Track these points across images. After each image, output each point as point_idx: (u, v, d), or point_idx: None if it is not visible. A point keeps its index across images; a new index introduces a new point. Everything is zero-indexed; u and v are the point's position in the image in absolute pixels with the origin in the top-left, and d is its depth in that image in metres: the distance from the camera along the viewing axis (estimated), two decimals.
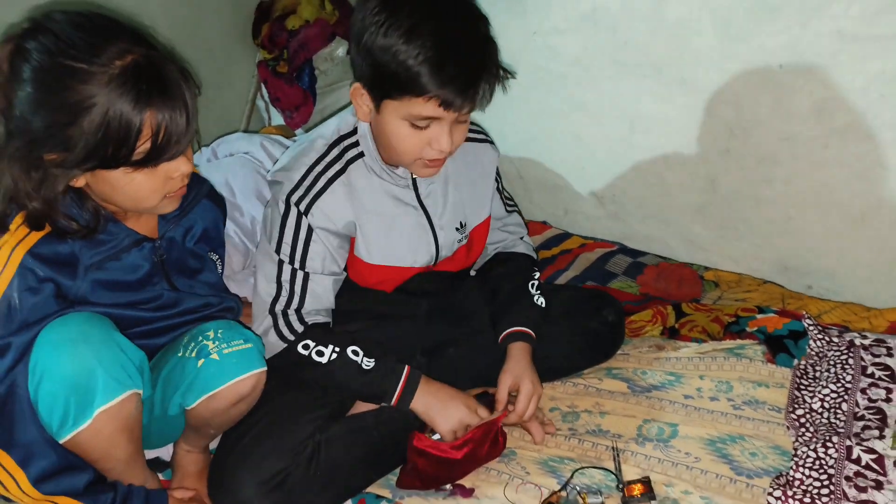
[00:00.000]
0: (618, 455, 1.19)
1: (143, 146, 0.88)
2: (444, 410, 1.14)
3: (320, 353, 1.13)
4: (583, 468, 1.18)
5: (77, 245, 0.95)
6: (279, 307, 1.14)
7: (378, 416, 1.20)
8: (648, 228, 1.85)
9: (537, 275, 1.37)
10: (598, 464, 1.19)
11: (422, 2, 0.98)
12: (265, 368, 1.04)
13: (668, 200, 1.80)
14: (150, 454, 1.18)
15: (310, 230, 1.12)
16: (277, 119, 2.38)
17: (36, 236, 0.93)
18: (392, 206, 1.18)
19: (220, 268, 1.18)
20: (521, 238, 1.43)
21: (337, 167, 1.13)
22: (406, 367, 1.16)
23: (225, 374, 1.00)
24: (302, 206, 1.11)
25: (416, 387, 1.15)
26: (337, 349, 1.13)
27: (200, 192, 1.10)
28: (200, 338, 1.01)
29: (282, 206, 1.12)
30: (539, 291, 1.34)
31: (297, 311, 1.14)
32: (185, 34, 2.05)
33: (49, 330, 0.90)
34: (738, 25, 1.53)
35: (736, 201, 1.69)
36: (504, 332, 1.27)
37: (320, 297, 1.16)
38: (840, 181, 1.54)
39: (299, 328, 1.14)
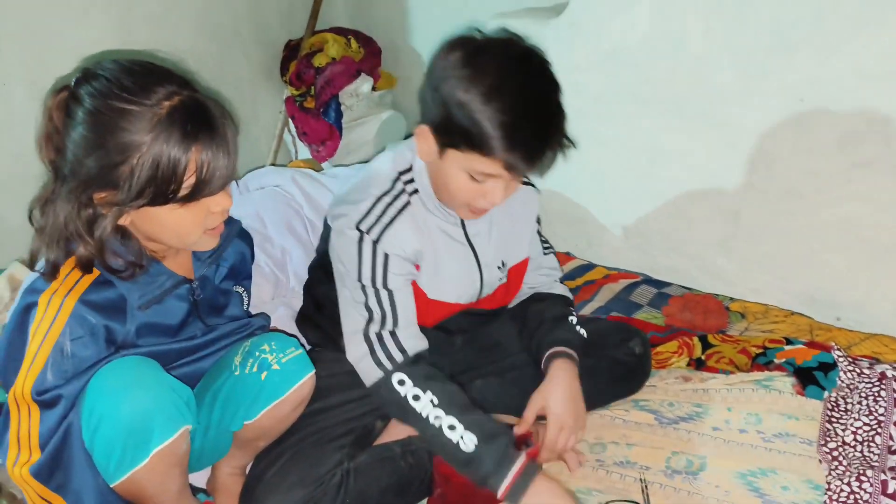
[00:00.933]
0: (646, 487, 1.18)
1: (189, 181, 0.92)
2: None
3: (416, 398, 1.07)
4: (611, 501, 1.17)
5: (125, 287, 0.98)
6: (373, 330, 1.12)
7: (405, 446, 1.20)
8: (672, 261, 1.86)
9: (574, 313, 1.37)
10: (626, 496, 1.18)
11: (505, 64, 1.00)
12: (314, 370, 1.09)
13: (691, 234, 1.80)
14: None
15: (386, 258, 1.13)
16: (304, 153, 2.44)
17: (86, 283, 0.95)
18: (444, 242, 1.19)
19: (245, 300, 1.21)
20: (557, 280, 1.43)
21: (402, 200, 1.15)
22: (523, 456, 1.04)
23: (288, 380, 1.05)
24: (373, 234, 1.12)
25: (529, 481, 1.03)
26: (433, 403, 1.06)
27: (232, 230, 1.13)
28: (257, 353, 1.05)
29: (354, 234, 1.12)
30: (578, 326, 1.33)
31: (393, 332, 1.12)
32: (215, 71, 2.13)
33: (102, 376, 0.92)
34: (757, 63, 1.55)
35: (760, 234, 1.69)
36: (545, 354, 1.24)
37: (409, 310, 1.14)
38: (865, 214, 1.54)
39: (398, 356, 1.11)
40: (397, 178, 1.16)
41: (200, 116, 0.92)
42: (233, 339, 1.12)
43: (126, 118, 0.89)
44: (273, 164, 2.37)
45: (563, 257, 1.95)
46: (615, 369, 1.37)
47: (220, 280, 1.13)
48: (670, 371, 1.46)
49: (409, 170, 1.17)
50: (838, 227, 1.58)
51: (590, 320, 1.51)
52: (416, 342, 1.14)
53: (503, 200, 1.08)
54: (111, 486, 0.94)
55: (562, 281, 1.43)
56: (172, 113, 0.90)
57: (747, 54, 1.56)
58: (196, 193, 0.93)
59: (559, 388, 1.18)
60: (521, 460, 1.03)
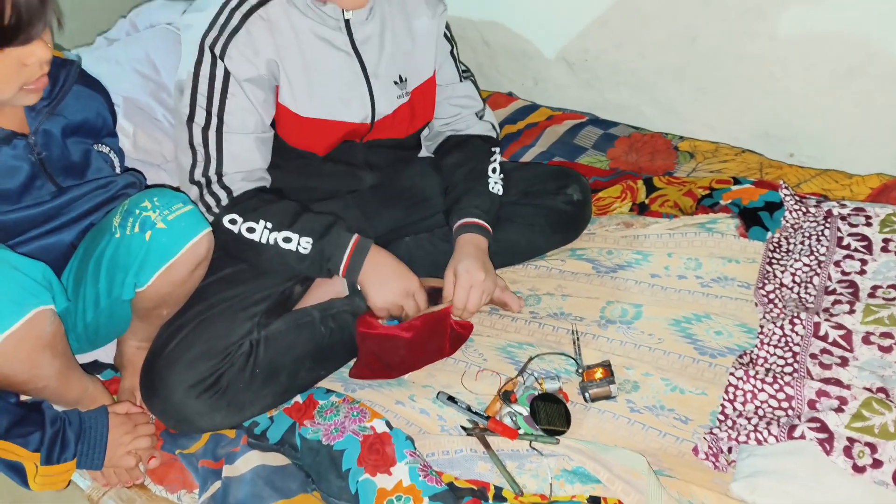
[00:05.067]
0: (577, 339, 1.15)
1: None
2: (378, 284, 1.06)
3: (251, 230, 1.04)
4: (541, 354, 1.13)
5: None
6: (198, 173, 1.05)
7: (326, 310, 1.13)
8: (622, 96, 1.72)
9: (496, 157, 1.25)
10: (559, 348, 1.15)
11: None
12: (210, 228, 0.99)
13: (643, 63, 1.65)
14: (87, 357, 1.13)
15: (226, 78, 1.02)
16: None
17: None
18: (320, 49, 1.07)
19: (115, 161, 1.05)
20: (478, 114, 1.30)
21: (252, 1, 1.02)
22: (354, 236, 1.06)
23: (178, 240, 0.94)
24: (217, 49, 1.01)
25: (364, 256, 1.05)
26: (269, 228, 1.03)
27: (70, 76, 0.96)
28: (137, 211, 0.93)
29: (195, 53, 1.02)
30: (500, 175, 1.23)
31: (218, 175, 1.05)
32: None
33: None
34: None
35: (716, 60, 1.55)
36: (455, 225, 1.18)
37: (240, 158, 1.06)
38: (829, 33, 1.40)
39: (224, 197, 1.05)
40: None
41: None
42: (96, 201, 0.99)
43: None
44: None
45: (505, 98, 1.79)
46: (552, 218, 1.29)
47: (67, 135, 0.97)
48: (611, 217, 1.38)
49: None
50: (800, 49, 1.45)
51: (526, 166, 1.40)
52: (245, 184, 1.06)
53: None
54: None
55: (481, 116, 1.30)
56: None
57: None
58: (1, 43, 0.76)
59: (469, 260, 1.12)
60: (352, 240, 1.05)
